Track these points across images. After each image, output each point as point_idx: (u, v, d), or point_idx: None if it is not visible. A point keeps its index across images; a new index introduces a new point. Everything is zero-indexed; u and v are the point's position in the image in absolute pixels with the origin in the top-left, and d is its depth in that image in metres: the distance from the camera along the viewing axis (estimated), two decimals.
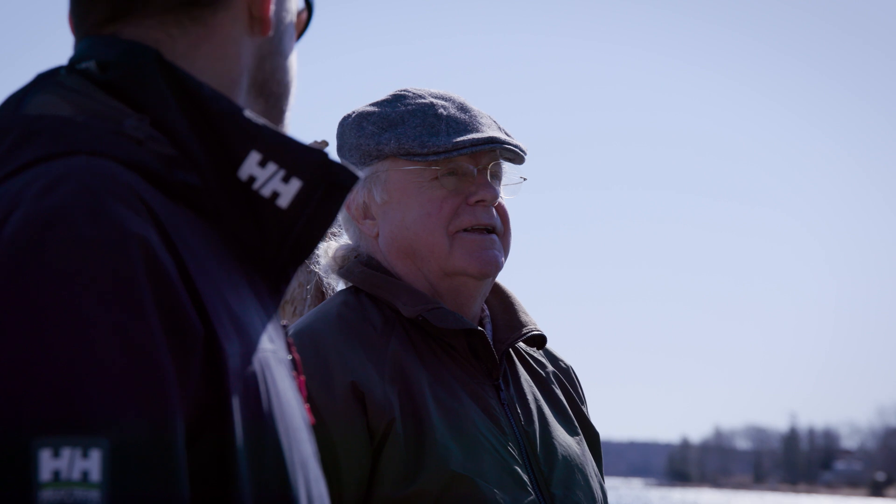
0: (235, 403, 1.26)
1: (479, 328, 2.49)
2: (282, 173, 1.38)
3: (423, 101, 2.53)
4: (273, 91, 1.50)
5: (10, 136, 1.32)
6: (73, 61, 1.42)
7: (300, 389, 1.50)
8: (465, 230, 2.48)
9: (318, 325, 2.43)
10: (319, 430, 2.20)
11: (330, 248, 2.59)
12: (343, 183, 1.42)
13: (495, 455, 2.37)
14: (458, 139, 2.45)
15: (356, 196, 2.53)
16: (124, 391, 1.17)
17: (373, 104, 2.56)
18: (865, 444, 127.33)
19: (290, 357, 1.50)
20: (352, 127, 2.55)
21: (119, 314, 1.19)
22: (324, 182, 1.41)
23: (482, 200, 2.48)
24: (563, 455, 2.48)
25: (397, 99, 2.55)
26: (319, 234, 1.44)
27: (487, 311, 2.62)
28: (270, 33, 1.48)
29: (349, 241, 2.59)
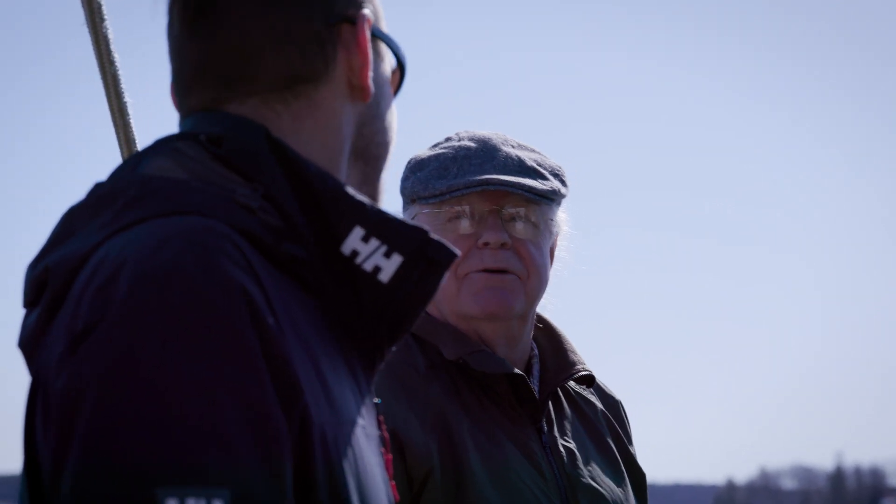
0: (320, 467, 1.30)
1: (520, 373, 2.46)
2: (384, 249, 1.42)
3: (456, 143, 2.53)
4: (373, 153, 1.53)
5: (125, 195, 1.36)
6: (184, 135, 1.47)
7: (387, 467, 1.53)
8: (474, 272, 2.47)
9: None
10: None
11: None
12: (442, 260, 1.45)
13: (536, 502, 2.36)
14: (453, 182, 2.45)
15: None
16: (242, 443, 1.21)
17: (430, 147, 2.58)
18: None
19: (379, 434, 1.53)
20: (404, 170, 2.58)
21: (234, 368, 1.23)
22: (423, 258, 1.44)
23: (487, 243, 2.46)
24: (606, 498, 2.47)
25: (442, 142, 2.57)
26: (417, 311, 1.47)
27: (537, 351, 2.60)
28: (369, 99, 1.52)
29: None
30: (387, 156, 1.56)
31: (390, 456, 1.57)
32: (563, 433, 2.52)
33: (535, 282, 2.50)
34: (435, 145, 2.57)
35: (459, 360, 2.43)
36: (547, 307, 2.65)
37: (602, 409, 2.65)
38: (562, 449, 2.48)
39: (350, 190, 1.44)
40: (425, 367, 2.44)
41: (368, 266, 1.42)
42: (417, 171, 2.51)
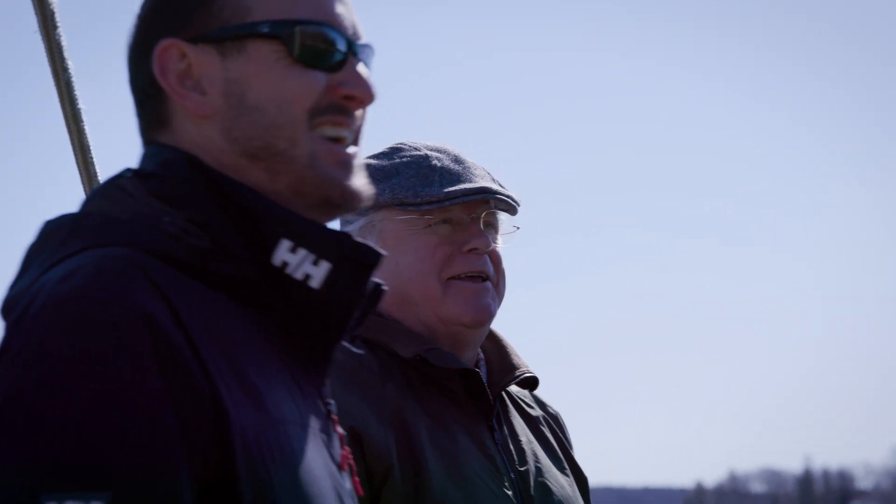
0: (242, 466, 1.37)
1: (475, 369, 2.53)
2: (312, 257, 1.52)
3: (418, 153, 2.59)
4: (260, 146, 1.57)
5: (62, 232, 1.49)
6: (137, 168, 1.59)
7: (343, 462, 1.60)
8: (459, 278, 2.54)
9: None
10: None
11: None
12: (369, 261, 1.55)
13: (492, 497, 2.42)
14: (451, 189, 2.52)
15: None
16: (125, 448, 1.29)
17: (370, 157, 2.63)
18: (881, 485, 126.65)
19: (332, 432, 1.60)
20: None
21: (124, 382, 1.32)
22: (350, 262, 1.53)
23: (475, 249, 2.54)
24: (556, 495, 2.54)
25: (394, 151, 2.62)
26: (351, 311, 1.56)
27: (482, 355, 2.67)
28: (207, 112, 1.58)
29: None
30: (279, 134, 1.57)
31: (345, 451, 1.63)
32: (512, 432, 2.59)
33: (503, 288, 2.61)
34: (382, 155, 2.63)
35: (416, 357, 2.49)
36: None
37: (543, 415, 2.74)
38: (512, 447, 2.55)
39: (275, 203, 1.53)
40: (378, 367, 2.49)
41: (299, 275, 1.51)
42: (390, 179, 2.55)
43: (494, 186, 2.55)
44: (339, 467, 1.58)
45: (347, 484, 1.59)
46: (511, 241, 2.64)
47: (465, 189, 2.52)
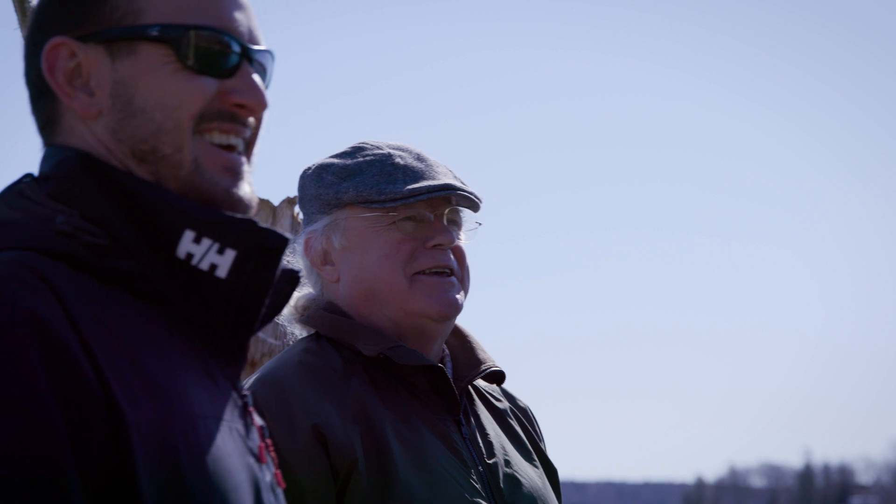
0: (142, 464, 1.37)
1: (440, 365, 2.56)
2: (216, 246, 1.50)
3: (380, 151, 2.63)
4: (146, 149, 1.56)
5: None
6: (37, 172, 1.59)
7: (261, 454, 1.58)
8: (424, 273, 2.57)
9: (279, 371, 2.51)
10: (286, 473, 2.28)
11: (292, 297, 2.65)
12: (275, 246, 1.53)
13: (459, 489, 2.45)
14: (414, 186, 2.55)
15: (316, 244, 2.62)
16: (10, 449, 1.30)
17: (332, 156, 2.67)
18: (881, 479, 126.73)
19: (249, 424, 1.59)
20: (311, 178, 2.66)
21: (6, 382, 1.32)
22: (256, 249, 1.52)
23: (440, 245, 2.58)
24: (526, 487, 2.57)
25: (356, 150, 2.66)
26: (261, 298, 1.55)
27: (447, 350, 2.70)
28: (93, 112, 1.57)
29: (311, 292, 2.67)
30: (164, 138, 1.56)
31: (263, 444, 1.62)
32: (480, 426, 2.62)
33: (467, 282, 2.65)
34: (344, 154, 2.65)
35: (380, 355, 2.52)
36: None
37: (512, 408, 2.77)
38: (480, 440, 2.58)
39: (175, 195, 1.52)
40: (342, 366, 2.52)
41: (205, 265, 1.50)
42: (354, 177, 2.59)
43: (457, 183, 2.59)
44: (258, 459, 1.57)
45: (268, 476, 1.58)
46: (474, 237, 2.68)
47: (429, 186, 2.55)
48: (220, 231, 1.51)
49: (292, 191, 4.70)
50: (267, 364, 2.59)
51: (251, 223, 1.53)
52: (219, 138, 1.58)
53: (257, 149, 1.64)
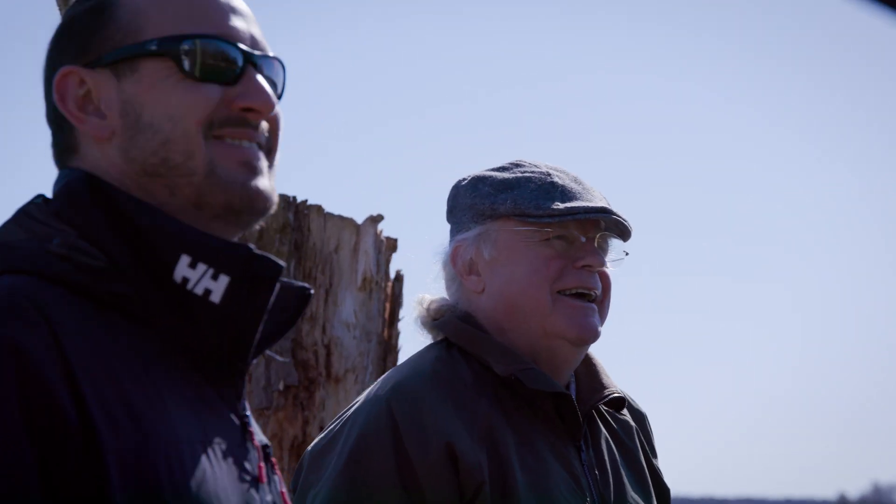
0: (119, 492, 1.38)
1: (567, 392, 2.55)
2: (211, 272, 1.51)
3: (539, 169, 2.64)
4: (158, 163, 1.58)
5: None
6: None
7: (261, 475, 1.59)
8: (569, 294, 2.56)
9: (413, 382, 2.49)
10: (413, 487, 2.34)
11: (424, 300, 2.66)
12: (268, 274, 1.54)
13: None
14: (571, 205, 2.55)
15: (465, 253, 2.61)
16: None
17: (489, 169, 2.68)
18: None
19: (249, 446, 1.59)
20: (467, 188, 2.66)
21: None
22: (249, 275, 1.53)
23: (589, 266, 2.57)
24: None
25: (514, 165, 2.67)
26: (255, 324, 1.55)
27: (572, 374, 2.68)
28: (106, 134, 1.59)
29: (443, 297, 2.66)
30: (174, 148, 1.57)
31: (264, 465, 1.62)
32: (598, 453, 2.60)
33: (607, 309, 2.63)
34: (502, 168, 2.66)
35: (511, 376, 2.51)
36: None
37: (636, 428, 2.75)
38: (596, 468, 2.57)
39: (173, 220, 1.53)
40: (472, 380, 2.52)
41: (199, 290, 1.51)
42: (512, 190, 2.59)
43: (612, 209, 2.58)
44: (258, 480, 1.57)
45: (268, 497, 1.59)
46: (620, 265, 2.67)
47: (586, 207, 2.55)
48: (214, 256, 1.52)
49: (375, 210, 4.84)
50: (400, 369, 2.59)
51: (246, 249, 1.54)
52: (231, 143, 1.60)
53: (279, 156, 1.65)
